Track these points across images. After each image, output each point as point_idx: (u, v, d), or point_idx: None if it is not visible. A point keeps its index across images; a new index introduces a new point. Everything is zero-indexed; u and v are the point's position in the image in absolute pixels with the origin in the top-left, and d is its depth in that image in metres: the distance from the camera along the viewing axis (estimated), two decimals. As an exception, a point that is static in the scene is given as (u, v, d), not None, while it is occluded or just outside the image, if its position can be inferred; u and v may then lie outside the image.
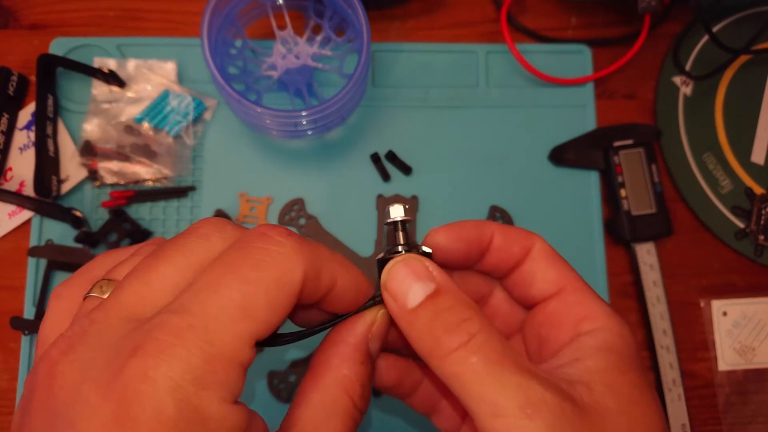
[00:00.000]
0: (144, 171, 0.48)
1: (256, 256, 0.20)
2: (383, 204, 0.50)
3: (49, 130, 0.48)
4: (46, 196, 0.47)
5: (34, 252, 0.47)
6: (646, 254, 0.49)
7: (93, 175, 0.48)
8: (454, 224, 0.27)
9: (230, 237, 0.21)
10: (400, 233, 0.26)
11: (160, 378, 0.17)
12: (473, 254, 0.27)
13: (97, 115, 0.49)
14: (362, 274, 0.24)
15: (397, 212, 0.26)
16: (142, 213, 0.49)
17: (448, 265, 0.27)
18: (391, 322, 0.25)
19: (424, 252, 0.26)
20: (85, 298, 0.23)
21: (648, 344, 0.49)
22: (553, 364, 0.23)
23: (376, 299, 0.24)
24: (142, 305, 0.19)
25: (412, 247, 0.25)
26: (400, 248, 0.25)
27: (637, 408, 0.22)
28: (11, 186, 0.49)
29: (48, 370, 0.19)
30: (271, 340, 0.22)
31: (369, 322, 0.24)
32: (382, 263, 0.25)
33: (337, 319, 0.24)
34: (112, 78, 0.49)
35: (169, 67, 0.50)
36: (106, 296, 0.22)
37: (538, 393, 0.20)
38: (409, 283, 0.23)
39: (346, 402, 0.22)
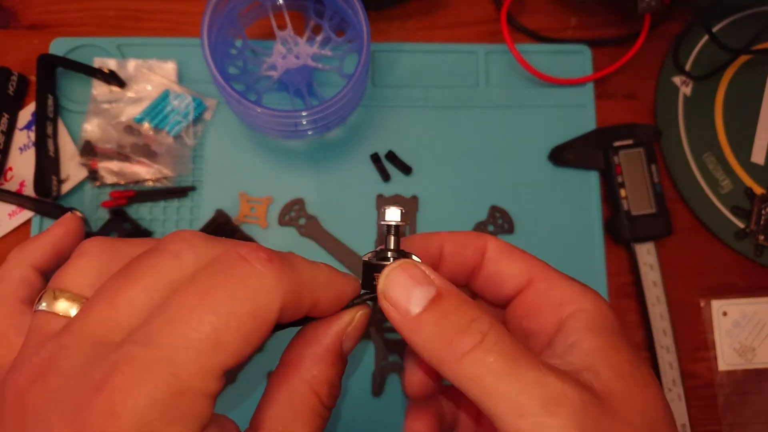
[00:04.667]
0: (144, 171, 0.48)
1: (232, 285, 0.18)
2: (383, 204, 0.50)
3: (50, 130, 0.48)
4: (46, 196, 0.47)
5: (35, 252, 0.47)
6: (646, 254, 0.49)
7: (93, 175, 0.48)
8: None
9: (203, 254, 0.20)
10: (392, 237, 0.25)
11: (127, 413, 0.17)
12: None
13: (98, 115, 0.49)
14: (344, 291, 0.23)
15: (393, 215, 0.25)
16: (143, 213, 0.49)
17: None
18: (367, 323, 0.24)
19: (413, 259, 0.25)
20: (35, 311, 0.22)
21: (648, 344, 0.49)
22: (550, 354, 0.23)
23: (356, 301, 0.24)
24: (111, 330, 0.19)
25: (401, 254, 0.25)
26: (389, 254, 0.24)
27: (643, 389, 0.21)
28: (11, 186, 0.49)
29: (17, 399, 0.19)
30: None
31: (346, 322, 0.23)
32: (369, 267, 0.24)
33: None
34: (113, 78, 0.49)
35: (170, 67, 0.50)
36: (58, 308, 0.21)
37: (558, 387, 0.19)
38: (409, 289, 0.22)
39: (314, 401, 0.22)
